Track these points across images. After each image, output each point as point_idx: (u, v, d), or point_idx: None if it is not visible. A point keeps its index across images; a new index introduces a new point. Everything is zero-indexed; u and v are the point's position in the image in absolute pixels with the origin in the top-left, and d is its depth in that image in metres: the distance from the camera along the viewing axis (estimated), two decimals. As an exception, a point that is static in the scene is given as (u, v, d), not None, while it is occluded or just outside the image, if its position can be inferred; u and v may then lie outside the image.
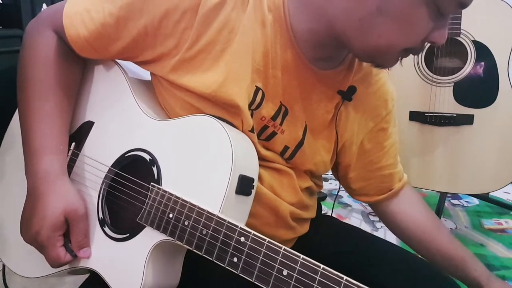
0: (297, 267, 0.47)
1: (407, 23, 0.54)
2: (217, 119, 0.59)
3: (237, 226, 0.52)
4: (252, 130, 0.64)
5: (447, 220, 1.79)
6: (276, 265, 0.48)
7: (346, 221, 1.62)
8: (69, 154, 0.69)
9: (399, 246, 0.81)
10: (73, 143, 0.69)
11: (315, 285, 0.46)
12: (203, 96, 0.61)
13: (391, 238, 1.14)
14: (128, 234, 0.60)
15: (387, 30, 0.55)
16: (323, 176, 2.56)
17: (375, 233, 1.55)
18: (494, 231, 1.72)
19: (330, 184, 2.19)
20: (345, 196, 2.03)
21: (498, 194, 1.94)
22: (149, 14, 0.59)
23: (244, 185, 0.57)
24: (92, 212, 0.64)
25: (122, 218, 0.63)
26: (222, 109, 0.62)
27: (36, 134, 0.63)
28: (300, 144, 0.68)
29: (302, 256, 0.48)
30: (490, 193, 1.85)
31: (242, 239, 0.51)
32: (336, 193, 0.87)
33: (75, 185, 0.66)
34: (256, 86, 0.63)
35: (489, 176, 1.46)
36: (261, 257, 0.49)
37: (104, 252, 0.62)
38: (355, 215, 1.84)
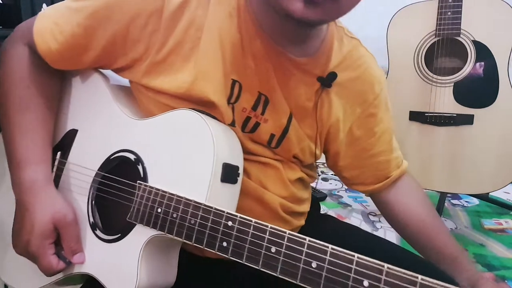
0: (284, 243, 0.48)
1: None
2: (196, 110, 0.59)
3: (223, 212, 0.52)
4: (233, 124, 0.64)
5: (447, 220, 1.79)
6: (264, 244, 0.49)
7: (346, 221, 1.62)
8: (56, 163, 0.69)
9: (399, 245, 0.81)
10: (59, 152, 0.70)
11: (303, 257, 0.47)
12: (177, 96, 0.61)
13: (392, 238, 1.15)
14: (119, 234, 0.60)
15: None
16: (323, 176, 2.54)
17: (375, 233, 1.55)
18: (494, 231, 1.72)
19: (330, 184, 2.19)
20: (345, 196, 2.03)
21: (498, 194, 1.94)
22: (115, 21, 0.60)
23: (228, 173, 0.57)
24: (83, 217, 0.64)
25: (113, 220, 0.63)
26: (199, 107, 0.62)
27: (18, 146, 0.64)
28: (285, 131, 0.68)
29: (288, 231, 0.48)
30: (490, 193, 1.85)
31: (230, 223, 0.52)
32: (317, 180, 0.85)
33: (64, 193, 0.67)
34: (232, 79, 0.63)
35: (489, 176, 1.47)
36: (249, 238, 0.50)
37: (98, 255, 0.62)
38: (355, 215, 1.84)
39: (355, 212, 1.87)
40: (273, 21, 0.61)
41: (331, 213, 1.84)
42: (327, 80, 0.68)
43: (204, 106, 0.62)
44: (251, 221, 0.51)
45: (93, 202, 0.64)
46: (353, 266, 0.44)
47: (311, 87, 0.68)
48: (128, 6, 0.59)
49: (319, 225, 0.81)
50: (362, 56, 0.72)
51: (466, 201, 2.01)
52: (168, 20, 0.59)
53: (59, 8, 0.65)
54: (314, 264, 0.46)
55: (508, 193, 2.07)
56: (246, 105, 0.65)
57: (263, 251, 0.49)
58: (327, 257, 0.46)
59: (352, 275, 0.44)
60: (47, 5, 1.36)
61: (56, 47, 0.64)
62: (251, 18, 0.62)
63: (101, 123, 0.67)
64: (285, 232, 0.48)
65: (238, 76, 0.63)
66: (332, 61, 0.68)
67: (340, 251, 0.45)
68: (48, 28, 0.64)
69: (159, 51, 0.61)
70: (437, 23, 1.46)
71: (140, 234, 0.58)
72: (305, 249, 0.47)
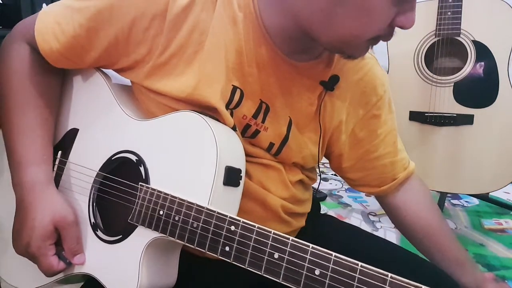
0: (288, 249, 0.48)
1: (366, 11, 0.54)
2: (199, 113, 0.59)
3: (226, 216, 0.52)
4: (234, 129, 0.64)
5: (447, 220, 1.79)
6: (267, 249, 0.49)
7: (346, 221, 1.62)
8: (56, 162, 0.69)
9: (399, 245, 0.81)
10: (60, 152, 0.69)
11: (306, 264, 0.47)
12: (179, 99, 0.61)
13: (392, 238, 1.15)
14: (121, 236, 0.60)
15: (349, 20, 0.55)
16: (323, 176, 2.54)
17: (375, 233, 1.55)
18: (494, 231, 1.72)
19: (330, 184, 2.19)
20: (345, 196, 2.03)
21: (498, 194, 1.94)
22: (117, 23, 0.60)
23: (231, 176, 0.57)
24: (84, 218, 0.64)
25: (114, 221, 0.63)
26: (201, 110, 0.62)
27: (18, 146, 0.64)
28: (285, 140, 0.68)
29: (291, 237, 0.48)
30: (490, 193, 1.85)
31: (233, 227, 0.52)
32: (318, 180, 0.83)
33: (65, 193, 0.66)
34: (233, 85, 0.63)
35: (489, 176, 1.47)
36: (252, 243, 0.50)
37: (98, 256, 0.62)
38: (355, 215, 1.84)
39: (355, 212, 1.87)
40: (282, 30, 0.61)
41: (331, 213, 1.84)
42: (330, 84, 0.68)
43: (206, 110, 0.62)
44: (254, 226, 0.50)
45: (94, 202, 0.64)
46: (357, 275, 0.44)
47: (314, 91, 0.68)
48: (130, 8, 0.59)
49: (319, 225, 0.81)
50: (364, 58, 0.71)
51: (466, 201, 2.01)
52: (172, 24, 0.59)
53: (60, 7, 0.64)
54: (317, 272, 0.46)
55: (508, 193, 2.07)
56: (246, 113, 0.65)
57: (266, 257, 0.49)
58: (331, 265, 0.45)
59: (355, 283, 0.44)
60: (47, 5, 1.36)
61: (57, 47, 0.64)
62: (258, 24, 0.61)
63: (102, 123, 0.67)
64: (288, 239, 0.48)
65: (240, 83, 0.63)
66: (334, 64, 0.68)
67: (344, 259, 0.45)
68: (49, 27, 0.64)
69: (161, 54, 0.60)
70: (437, 23, 1.46)
71: (142, 236, 0.58)
72: (308, 256, 0.47)
